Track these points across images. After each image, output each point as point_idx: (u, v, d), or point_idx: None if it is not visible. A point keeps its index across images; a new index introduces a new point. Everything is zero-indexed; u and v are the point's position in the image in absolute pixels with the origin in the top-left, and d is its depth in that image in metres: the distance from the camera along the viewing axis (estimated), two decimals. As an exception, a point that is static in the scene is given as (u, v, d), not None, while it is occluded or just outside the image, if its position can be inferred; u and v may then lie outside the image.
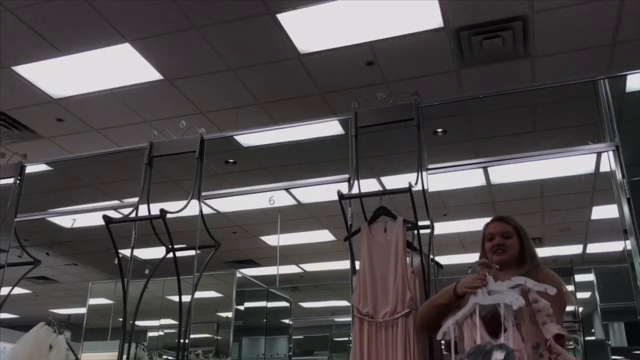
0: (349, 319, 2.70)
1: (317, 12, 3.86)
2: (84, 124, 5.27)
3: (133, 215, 3.26)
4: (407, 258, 2.61)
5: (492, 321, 1.99)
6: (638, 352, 5.67)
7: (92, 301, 7.48)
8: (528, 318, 1.96)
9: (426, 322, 2.31)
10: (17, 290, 3.97)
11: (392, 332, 2.44)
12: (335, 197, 2.80)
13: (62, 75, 4.59)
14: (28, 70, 4.52)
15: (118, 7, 3.84)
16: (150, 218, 3.24)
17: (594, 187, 5.56)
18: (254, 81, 4.65)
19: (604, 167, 3.07)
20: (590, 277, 5.79)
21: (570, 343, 5.08)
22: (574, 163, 4.67)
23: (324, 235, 7.38)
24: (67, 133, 5.42)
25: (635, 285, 2.64)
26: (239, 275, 6.72)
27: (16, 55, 4.34)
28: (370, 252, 2.64)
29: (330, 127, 3.93)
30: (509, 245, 2.31)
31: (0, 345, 5.66)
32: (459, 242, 6.92)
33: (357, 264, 2.71)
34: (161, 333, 7.26)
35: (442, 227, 6.31)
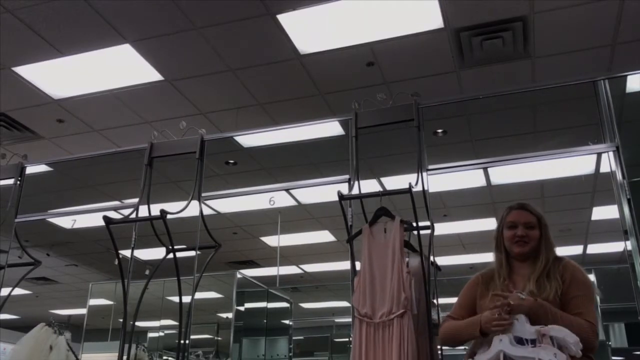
0: (349, 319, 2.70)
1: (317, 13, 3.87)
2: (84, 124, 5.27)
3: (133, 216, 3.25)
4: (406, 259, 2.61)
5: None
6: (638, 352, 5.67)
7: (93, 302, 7.48)
8: None
9: (450, 345, 2.31)
10: (18, 291, 3.97)
11: (388, 333, 2.44)
12: (336, 198, 2.80)
13: (62, 76, 4.59)
14: (28, 71, 4.52)
15: (118, 8, 3.84)
16: (150, 219, 3.23)
17: (594, 187, 5.56)
18: (254, 82, 4.65)
19: (604, 168, 3.07)
20: (590, 277, 5.78)
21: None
22: (574, 164, 4.66)
23: (324, 236, 7.38)
24: (67, 134, 5.42)
25: (636, 286, 2.64)
26: (239, 276, 6.71)
27: (16, 56, 4.34)
28: (370, 253, 2.64)
29: (331, 128, 3.93)
30: (531, 237, 2.22)
31: (1, 346, 5.66)
32: (459, 243, 6.92)
33: (358, 265, 2.71)
34: (161, 334, 7.26)
35: (443, 228, 6.31)
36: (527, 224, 2.24)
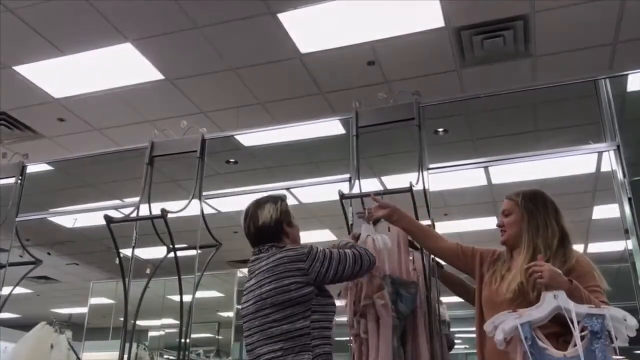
0: (350, 318, 2.69)
1: (318, 12, 3.87)
2: (85, 123, 5.28)
3: (134, 214, 3.25)
4: (411, 256, 2.60)
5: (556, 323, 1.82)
6: (638, 352, 5.67)
7: (93, 301, 7.49)
8: None
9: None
10: (19, 290, 3.97)
11: None
12: (336, 197, 2.80)
13: (63, 75, 4.60)
14: (29, 70, 4.52)
15: (119, 6, 3.84)
16: (151, 218, 3.24)
17: (595, 186, 5.56)
18: (255, 81, 4.65)
19: (605, 167, 3.06)
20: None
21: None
22: (575, 163, 4.66)
23: (324, 235, 7.37)
24: (68, 133, 5.42)
25: (636, 285, 2.64)
26: (240, 274, 6.72)
27: (17, 55, 4.35)
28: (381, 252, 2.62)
29: (331, 127, 3.92)
30: (507, 224, 2.15)
31: (2, 344, 5.66)
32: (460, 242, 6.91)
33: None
34: (162, 333, 7.26)
35: (443, 227, 6.27)
36: (504, 211, 2.18)
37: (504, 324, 1.78)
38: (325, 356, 2.05)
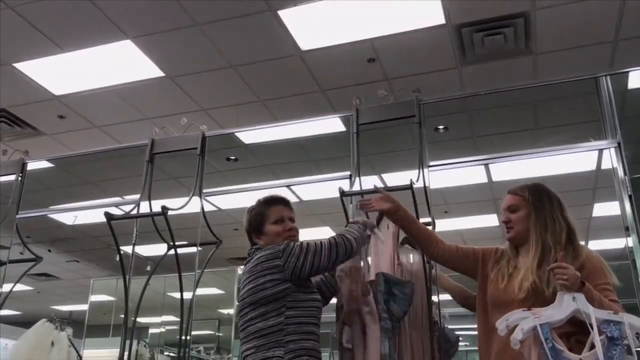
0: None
1: (318, 9, 3.86)
2: (85, 121, 5.28)
3: (134, 212, 3.26)
4: (410, 255, 2.60)
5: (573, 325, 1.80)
6: (638, 349, 5.66)
7: (94, 298, 7.50)
8: None
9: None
10: (19, 287, 3.98)
11: None
12: (337, 195, 2.80)
13: (63, 72, 4.59)
14: (29, 67, 4.52)
15: (119, 3, 3.84)
16: (151, 215, 3.24)
17: (596, 184, 5.56)
18: (255, 78, 4.65)
19: (606, 164, 3.06)
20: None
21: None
22: (576, 160, 4.66)
23: (325, 233, 7.35)
24: (68, 130, 5.42)
25: (637, 283, 2.64)
26: (240, 272, 6.71)
27: (17, 52, 4.34)
28: (377, 249, 2.63)
29: (332, 124, 3.92)
30: (514, 221, 2.09)
31: (2, 341, 5.68)
32: (460, 240, 6.91)
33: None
34: (163, 330, 7.28)
35: (444, 225, 6.27)
36: (510, 207, 2.13)
37: (524, 322, 1.72)
38: (303, 351, 2.00)
